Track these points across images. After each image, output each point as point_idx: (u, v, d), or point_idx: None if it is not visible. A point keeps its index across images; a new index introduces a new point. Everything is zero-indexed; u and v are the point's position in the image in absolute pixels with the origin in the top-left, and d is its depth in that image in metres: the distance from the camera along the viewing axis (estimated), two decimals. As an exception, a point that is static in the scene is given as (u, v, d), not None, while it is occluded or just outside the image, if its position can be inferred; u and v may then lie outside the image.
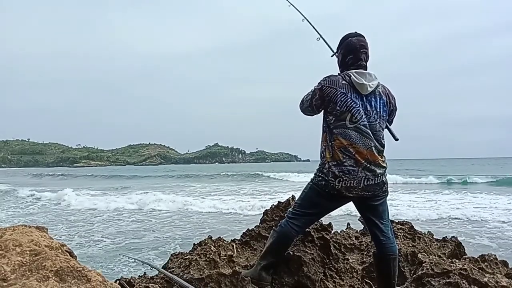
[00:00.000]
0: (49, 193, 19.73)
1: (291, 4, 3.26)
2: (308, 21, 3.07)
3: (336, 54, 2.51)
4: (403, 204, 13.47)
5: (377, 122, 2.29)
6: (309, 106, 2.39)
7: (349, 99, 2.24)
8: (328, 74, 2.37)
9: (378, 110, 2.30)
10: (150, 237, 9.02)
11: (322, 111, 2.38)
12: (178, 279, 2.43)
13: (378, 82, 2.34)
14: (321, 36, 2.88)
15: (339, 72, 2.41)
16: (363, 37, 2.38)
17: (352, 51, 2.35)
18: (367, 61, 2.37)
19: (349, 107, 2.24)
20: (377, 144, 2.28)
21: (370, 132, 2.26)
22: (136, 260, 4.46)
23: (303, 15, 3.13)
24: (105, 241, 8.56)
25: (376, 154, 2.26)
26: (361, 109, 2.25)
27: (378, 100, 2.31)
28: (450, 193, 17.87)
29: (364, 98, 2.28)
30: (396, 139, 2.45)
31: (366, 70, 2.34)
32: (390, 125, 2.45)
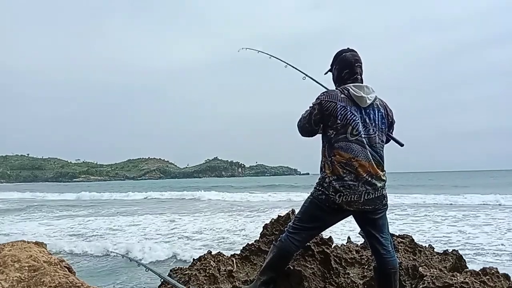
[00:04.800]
0: None
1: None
2: (292, 66, 3.01)
3: (331, 70, 2.53)
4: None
5: (376, 135, 2.31)
6: (307, 123, 2.38)
7: (349, 112, 2.26)
8: (324, 90, 2.40)
9: (376, 122, 2.32)
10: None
11: (321, 128, 2.38)
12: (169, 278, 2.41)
13: (376, 95, 2.37)
14: (306, 75, 2.86)
15: (336, 87, 2.44)
16: (356, 52, 2.43)
17: (347, 65, 2.39)
18: (362, 74, 2.41)
19: (349, 120, 2.25)
20: (377, 156, 2.29)
21: (370, 145, 2.27)
22: (124, 257, 4.36)
23: (286, 62, 3.06)
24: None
25: (376, 167, 2.27)
26: (360, 122, 2.27)
27: (376, 113, 2.34)
28: None
29: (363, 111, 2.30)
30: (402, 145, 2.47)
31: (362, 83, 2.37)
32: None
